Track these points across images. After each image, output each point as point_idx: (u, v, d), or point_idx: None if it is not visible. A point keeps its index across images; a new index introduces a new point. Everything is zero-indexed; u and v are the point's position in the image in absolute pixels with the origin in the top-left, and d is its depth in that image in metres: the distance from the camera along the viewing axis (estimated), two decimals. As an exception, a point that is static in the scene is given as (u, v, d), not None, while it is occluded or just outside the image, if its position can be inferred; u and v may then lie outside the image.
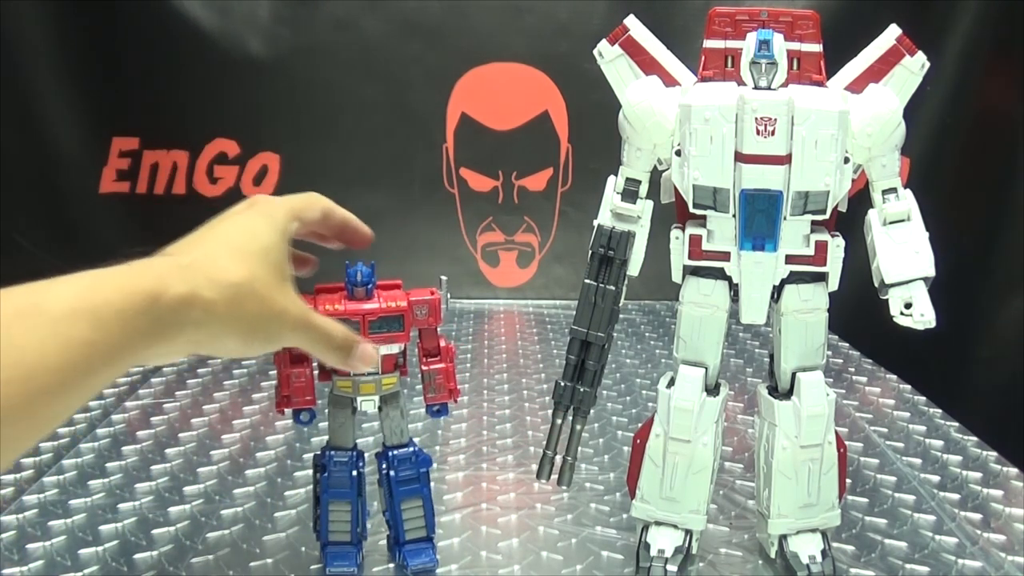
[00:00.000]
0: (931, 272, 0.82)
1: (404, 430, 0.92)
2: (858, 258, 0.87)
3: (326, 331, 0.71)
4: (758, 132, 0.79)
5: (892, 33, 0.83)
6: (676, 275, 0.89)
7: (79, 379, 0.51)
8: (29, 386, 0.48)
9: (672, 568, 0.90)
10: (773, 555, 0.94)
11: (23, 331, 0.48)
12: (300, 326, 0.68)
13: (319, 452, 0.91)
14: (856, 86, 0.83)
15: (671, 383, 0.90)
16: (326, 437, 0.91)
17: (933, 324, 0.81)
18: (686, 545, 0.92)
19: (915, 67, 0.83)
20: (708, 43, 0.83)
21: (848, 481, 1.02)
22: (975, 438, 1.29)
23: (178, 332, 0.58)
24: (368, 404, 0.89)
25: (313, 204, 0.76)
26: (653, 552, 0.91)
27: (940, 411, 1.40)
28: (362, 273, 0.86)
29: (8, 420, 0.47)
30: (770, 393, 0.91)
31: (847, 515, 1.03)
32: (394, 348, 0.87)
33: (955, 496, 1.12)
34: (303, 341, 0.70)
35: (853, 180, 0.83)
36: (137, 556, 0.97)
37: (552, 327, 1.88)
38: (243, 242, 0.66)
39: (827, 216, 0.82)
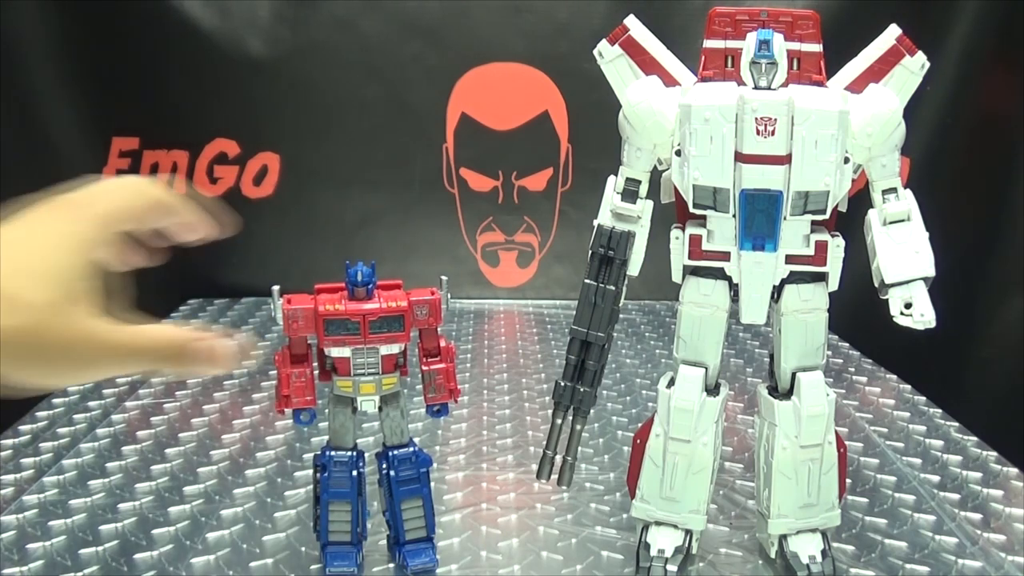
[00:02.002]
0: (931, 272, 0.82)
1: (404, 430, 0.92)
2: (858, 258, 0.87)
3: (141, 346, 0.57)
4: (758, 132, 0.79)
5: (892, 33, 0.83)
6: (676, 275, 0.89)
7: None
8: None
9: (672, 568, 0.90)
10: (773, 555, 0.94)
11: None
12: (107, 354, 0.56)
13: (319, 452, 0.91)
14: (856, 86, 0.83)
15: (671, 383, 0.90)
16: (326, 437, 0.91)
17: (933, 324, 0.81)
18: (686, 545, 0.92)
19: (915, 67, 0.83)
20: (708, 43, 0.83)
21: (848, 481, 1.02)
22: (975, 438, 1.29)
23: None
24: (368, 404, 0.89)
25: (135, 203, 0.62)
26: (653, 552, 0.91)
27: (940, 411, 1.40)
28: (362, 273, 0.86)
29: None
30: (770, 393, 0.91)
31: (847, 515, 1.03)
32: (394, 348, 0.87)
33: (955, 496, 1.12)
34: (122, 367, 0.58)
35: (853, 180, 0.83)
36: (137, 556, 0.97)
37: (552, 327, 1.88)
38: (38, 264, 0.53)
39: (827, 216, 0.82)
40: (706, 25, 0.83)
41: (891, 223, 0.84)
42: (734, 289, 0.86)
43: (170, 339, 0.58)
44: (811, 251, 0.84)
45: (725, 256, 0.85)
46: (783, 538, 0.92)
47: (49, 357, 0.53)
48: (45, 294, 0.52)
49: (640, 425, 0.92)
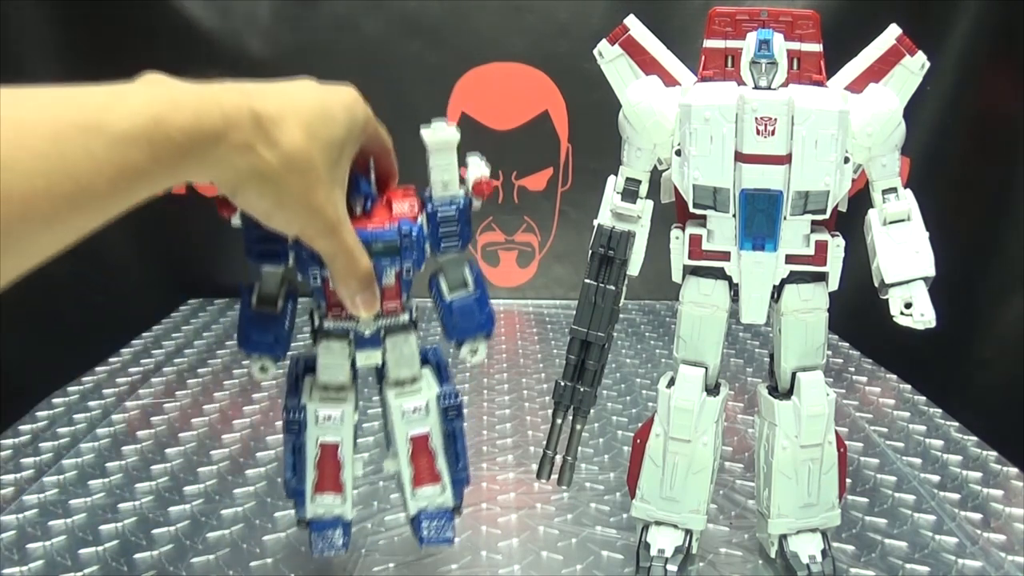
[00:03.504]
0: (931, 272, 0.82)
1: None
2: (858, 258, 0.87)
3: (353, 252, 0.69)
4: (758, 132, 0.79)
5: (892, 33, 0.83)
6: (676, 275, 0.89)
7: (121, 201, 0.53)
8: (74, 201, 0.49)
9: (672, 568, 0.90)
10: (773, 555, 0.94)
11: (82, 147, 0.50)
12: (329, 231, 0.67)
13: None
14: (856, 86, 0.83)
15: (671, 383, 0.90)
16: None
17: (933, 324, 0.81)
18: (686, 545, 0.92)
19: (915, 67, 0.83)
20: (708, 43, 0.83)
21: (848, 481, 1.02)
22: (975, 438, 1.29)
23: (225, 175, 0.62)
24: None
25: (378, 130, 0.80)
26: (653, 552, 0.91)
27: (940, 411, 1.40)
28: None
29: (44, 228, 0.48)
30: (770, 393, 0.91)
31: (847, 515, 1.03)
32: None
33: (955, 496, 1.12)
34: (326, 249, 0.68)
35: (853, 180, 0.83)
36: (137, 556, 0.97)
37: (552, 327, 1.88)
38: (315, 121, 0.68)
39: (827, 216, 0.82)
40: (706, 25, 0.83)
41: (891, 223, 0.84)
42: (734, 289, 0.86)
43: (368, 268, 0.70)
44: (811, 251, 0.84)
45: (725, 256, 0.85)
46: (783, 538, 0.92)
47: (279, 199, 0.64)
48: (304, 147, 0.65)
49: (640, 425, 0.92)
